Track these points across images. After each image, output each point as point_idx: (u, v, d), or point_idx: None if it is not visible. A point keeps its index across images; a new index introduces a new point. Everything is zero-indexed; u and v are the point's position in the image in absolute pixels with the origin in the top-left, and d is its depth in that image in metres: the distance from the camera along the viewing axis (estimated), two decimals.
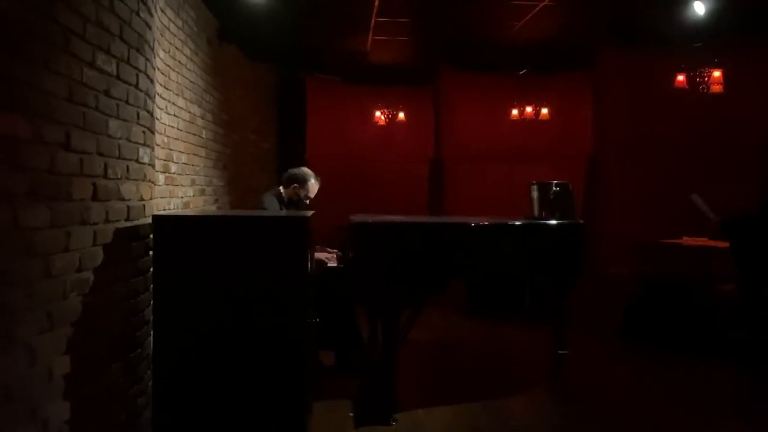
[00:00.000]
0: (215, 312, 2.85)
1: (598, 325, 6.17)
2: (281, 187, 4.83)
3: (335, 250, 4.71)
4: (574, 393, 4.41)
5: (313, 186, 4.81)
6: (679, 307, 5.60)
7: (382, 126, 9.98)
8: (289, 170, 4.89)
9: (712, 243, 5.98)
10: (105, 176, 2.49)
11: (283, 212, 4.51)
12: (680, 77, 6.90)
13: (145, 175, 2.97)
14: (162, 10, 4.22)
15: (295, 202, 4.80)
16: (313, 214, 3.43)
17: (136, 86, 2.83)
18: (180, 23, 4.77)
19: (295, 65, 8.91)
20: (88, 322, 2.33)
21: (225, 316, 2.86)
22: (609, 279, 6.79)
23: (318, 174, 4.90)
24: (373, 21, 6.89)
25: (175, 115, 4.60)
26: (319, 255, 4.48)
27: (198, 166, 5.36)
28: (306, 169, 4.88)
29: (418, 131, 10.15)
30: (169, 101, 4.43)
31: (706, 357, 5.18)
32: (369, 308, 5.11)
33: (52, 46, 2.08)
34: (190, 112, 5.05)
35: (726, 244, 5.54)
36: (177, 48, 4.67)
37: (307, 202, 4.82)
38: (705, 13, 6.07)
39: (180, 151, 4.76)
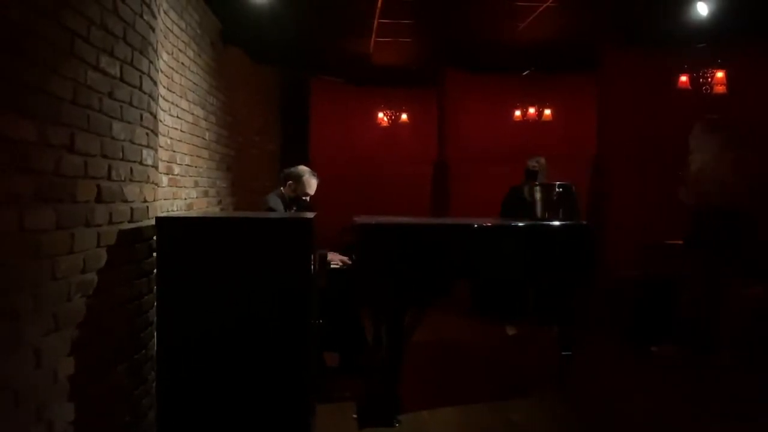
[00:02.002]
0: (219, 313, 2.86)
1: (602, 327, 6.15)
2: (282, 188, 4.83)
3: (346, 257, 4.64)
4: (579, 394, 4.40)
5: (309, 181, 4.73)
6: (684, 308, 5.57)
7: (385, 127, 10.00)
8: (284, 169, 4.89)
9: None
10: (109, 178, 2.50)
11: (287, 213, 4.51)
12: (683, 78, 6.88)
13: (148, 177, 2.98)
14: (165, 13, 4.23)
15: (295, 200, 4.78)
16: (316, 215, 3.44)
17: (140, 88, 2.84)
18: (183, 25, 4.78)
19: (298, 67, 8.92)
20: (93, 323, 2.34)
21: (228, 318, 2.86)
22: (613, 280, 6.77)
23: (321, 175, 4.88)
24: (376, 23, 6.90)
25: (178, 116, 4.61)
26: (332, 256, 4.47)
27: (201, 167, 5.37)
28: (301, 167, 4.83)
29: (421, 132, 10.16)
30: (172, 103, 4.44)
31: (712, 359, 5.16)
32: (373, 309, 5.10)
33: (57, 49, 2.09)
34: (193, 114, 5.06)
35: None
36: (180, 50, 4.68)
37: (307, 199, 4.78)
38: (708, 13, 6.06)
39: (183, 153, 4.76)
